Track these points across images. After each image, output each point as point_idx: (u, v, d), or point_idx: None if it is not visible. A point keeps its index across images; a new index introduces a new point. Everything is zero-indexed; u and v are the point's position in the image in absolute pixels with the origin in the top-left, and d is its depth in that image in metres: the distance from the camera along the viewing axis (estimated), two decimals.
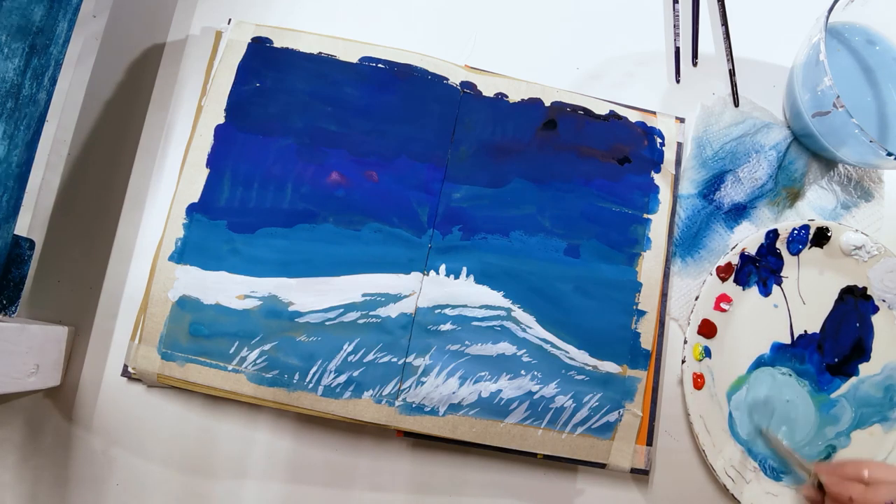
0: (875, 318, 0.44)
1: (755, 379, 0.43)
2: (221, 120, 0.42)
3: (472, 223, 0.42)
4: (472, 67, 0.45)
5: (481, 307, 0.41)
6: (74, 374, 0.40)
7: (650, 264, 0.43)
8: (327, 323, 0.39)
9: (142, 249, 0.42)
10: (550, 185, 0.43)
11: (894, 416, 0.43)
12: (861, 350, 0.44)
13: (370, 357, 0.39)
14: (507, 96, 0.44)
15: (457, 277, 0.41)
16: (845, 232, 0.44)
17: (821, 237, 0.44)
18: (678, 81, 0.48)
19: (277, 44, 0.43)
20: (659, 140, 0.45)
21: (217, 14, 0.46)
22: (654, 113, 0.45)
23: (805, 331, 0.44)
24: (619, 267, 0.42)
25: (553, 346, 0.41)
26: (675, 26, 0.48)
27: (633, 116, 0.45)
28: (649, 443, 0.41)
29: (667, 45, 0.48)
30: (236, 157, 0.41)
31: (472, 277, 0.41)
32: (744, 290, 0.44)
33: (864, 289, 0.44)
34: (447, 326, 0.40)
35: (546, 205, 0.43)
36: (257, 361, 0.38)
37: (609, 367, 0.41)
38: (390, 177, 0.42)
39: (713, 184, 0.45)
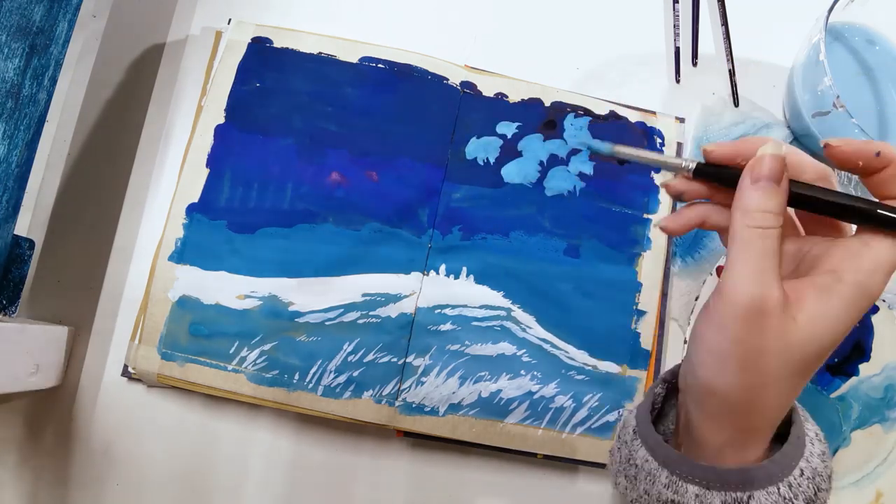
0: (875, 318, 0.44)
1: None
2: (221, 120, 0.42)
3: (472, 223, 0.42)
4: (472, 67, 0.45)
5: (481, 307, 0.41)
6: (74, 374, 0.40)
7: (650, 264, 0.43)
8: (327, 323, 0.39)
9: (142, 249, 0.42)
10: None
11: (894, 416, 0.43)
12: (861, 350, 0.44)
13: (370, 357, 0.39)
14: (507, 96, 0.44)
15: (457, 277, 0.41)
16: None
17: None
18: (678, 81, 0.48)
19: (277, 44, 0.43)
20: (659, 140, 0.45)
21: (217, 14, 0.46)
22: (654, 113, 0.45)
23: None
24: (619, 267, 0.42)
25: (553, 346, 0.41)
26: (675, 26, 0.48)
27: (633, 116, 0.45)
28: None
29: (667, 45, 0.48)
30: (236, 157, 0.41)
31: (472, 277, 0.41)
32: None
33: None
34: (447, 326, 0.40)
35: (546, 205, 0.43)
36: (257, 361, 0.38)
37: (609, 366, 0.41)
38: (390, 177, 0.42)
39: None
